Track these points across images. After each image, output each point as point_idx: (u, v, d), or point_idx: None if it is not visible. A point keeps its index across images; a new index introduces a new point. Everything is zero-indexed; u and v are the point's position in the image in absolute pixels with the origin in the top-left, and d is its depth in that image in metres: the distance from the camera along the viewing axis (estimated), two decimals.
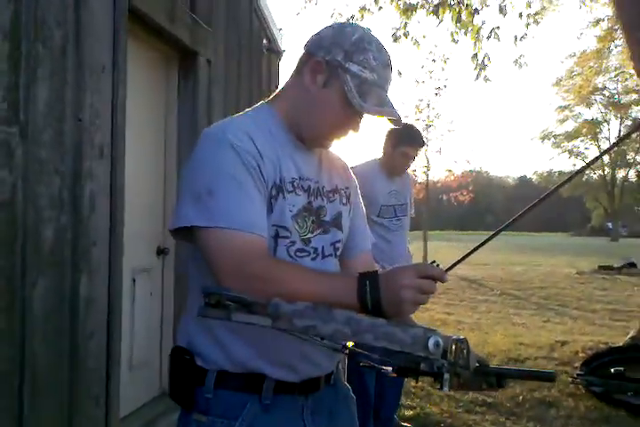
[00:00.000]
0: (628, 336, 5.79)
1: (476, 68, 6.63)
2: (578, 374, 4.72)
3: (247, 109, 1.40)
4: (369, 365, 1.13)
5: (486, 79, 6.80)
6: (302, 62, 1.32)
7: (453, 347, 1.00)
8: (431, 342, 0.96)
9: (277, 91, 1.41)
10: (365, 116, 1.31)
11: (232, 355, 1.23)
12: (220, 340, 1.24)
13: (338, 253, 1.39)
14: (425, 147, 18.81)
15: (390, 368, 1.09)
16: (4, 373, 1.99)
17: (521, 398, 4.35)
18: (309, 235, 1.30)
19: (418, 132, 3.63)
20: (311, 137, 1.33)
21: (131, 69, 2.77)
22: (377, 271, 1.14)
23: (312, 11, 9.39)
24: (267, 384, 1.22)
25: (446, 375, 0.99)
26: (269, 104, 1.38)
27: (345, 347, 1.11)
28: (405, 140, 3.44)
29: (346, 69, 1.24)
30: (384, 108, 1.27)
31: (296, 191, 1.28)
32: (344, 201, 1.43)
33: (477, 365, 1.11)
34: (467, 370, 1.03)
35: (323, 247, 1.33)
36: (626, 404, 4.14)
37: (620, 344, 5.61)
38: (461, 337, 1.03)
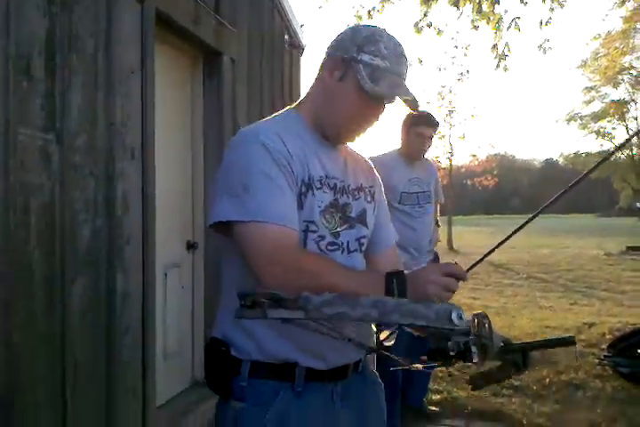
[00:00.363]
0: None
1: (495, 58, 6.62)
2: (605, 356, 4.76)
3: (274, 114, 1.48)
4: (399, 365, 1.24)
5: (505, 68, 6.77)
6: (322, 66, 1.42)
7: (475, 321, 1.10)
8: (454, 315, 1.03)
9: (301, 97, 1.49)
10: (386, 104, 1.39)
11: (264, 347, 1.33)
12: (252, 333, 1.33)
13: (363, 248, 1.46)
14: (448, 132, 18.81)
15: (419, 365, 1.19)
16: (46, 368, 2.11)
17: (547, 380, 4.41)
18: (338, 229, 1.38)
19: (430, 114, 3.72)
20: (335, 132, 1.41)
21: (158, 71, 2.87)
22: (403, 271, 1.23)
23: (334, 3, 9.35)
24: (298, 372, 1.32)
25: (474, 348, 1.08)
26: (295, 109, 1.47)
27: (371, 349, 1.22)
28: (418, 120, 3.52)
29: (358, 60, 1.33)
30: (395, 89, 1.34)
31: (323, 189, 1.37)
32: (368, 199, 1.51)
33: (502, 344, 1.20)
34: (491, 342, 1.10)
35: (348, 242, 1.41)
36: None
37: None
38: (481, 312, 1.11)
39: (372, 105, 1.38)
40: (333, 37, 1.43)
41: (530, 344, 1.37)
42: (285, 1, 5.09)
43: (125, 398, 2.56)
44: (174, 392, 3.41)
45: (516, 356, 1.30)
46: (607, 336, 5.61)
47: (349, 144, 1.53)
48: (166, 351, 3.26)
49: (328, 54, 1.40)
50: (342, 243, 1.39)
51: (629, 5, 11.03)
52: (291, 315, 1.06)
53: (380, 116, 1.42)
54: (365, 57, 1.33)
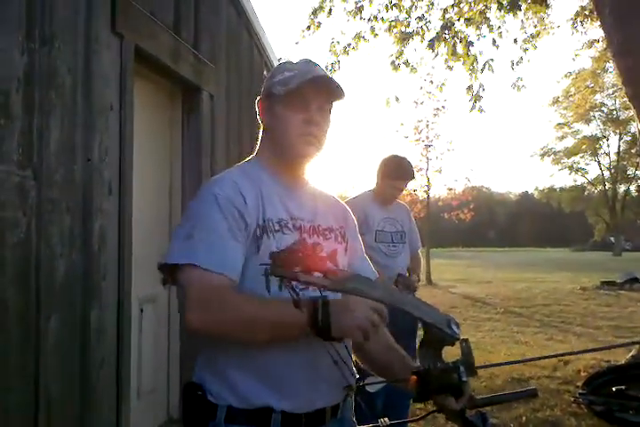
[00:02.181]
0: (630, 354, 5.83)
1: (471, 100, 6.78)
2: (580, 393, 4.77)
3: (244, 161, 1.55)
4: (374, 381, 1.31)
5: (481, 110, 6.92)
6: (258, 118, 1.51)
7: (463, 344, 1.23)
8: (452, 323, 1.16)
9: (256, 148, 1.55)
10: (313, 100, 1.41)
11: (238, 391, 1.32)
12: (226, 378, 1.33)
13: None
14: (425, 166, 19.04)
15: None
16: (20, 403, 2.07)
17: (524, 418, 4.39)
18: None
19: (408, 165, 3.76)
20: (294, 153, 1.44)
21: (136, 107, 2.89)
22: (328, 300, 1.24)
23: (310, 40, 9.56)
24: (274, 418, 1.30)
25: (462, 368, 1.22)
26: (256, 157, 1.53)
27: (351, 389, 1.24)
28: (394, 173, 3.63)
29: (272, 85, 1.45)
30: (306, 75, 1.39)
31: (283, 230, 1.39)
32: (339, 239, 1.53)
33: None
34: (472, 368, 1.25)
35: None
36: (627, 422, 4.18)
37: (622, 362, 5.66)
38: (466, 338, 1.26)
39: (303, 108, 1.41)
40: None
41: (494, 398, 1.39)
42: (264, 37, 5.18)
43: None
44: None
45: (476, 418, 1.31)
46: (582, 373, 5.63)
47: (316, 184, 1.58)
48: (141, 389, 3.21)
49: (258, 110, 1.50)
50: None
51: (598, 46, 11.39)
52: (318, 281, 1.18)
53: (320, 115, 1.43)
54: (276, 78, 1.44)
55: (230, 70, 4.34)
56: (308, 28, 7.55)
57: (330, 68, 7.58)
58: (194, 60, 3.59)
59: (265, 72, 5.26)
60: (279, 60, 5.75)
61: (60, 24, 2.30)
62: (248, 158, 1.55)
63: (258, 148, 1.54)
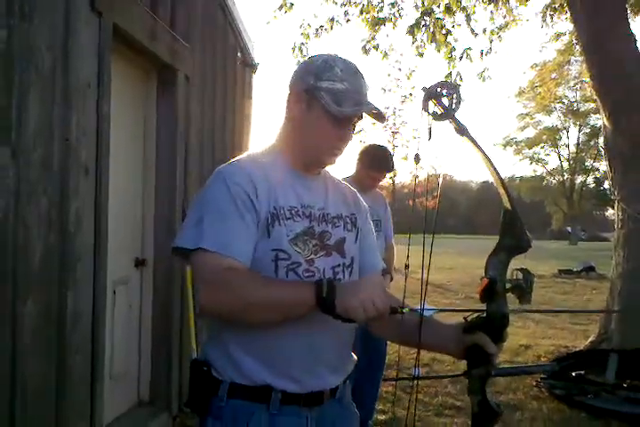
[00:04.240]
0: (588, 341, 6.02)
1: None
2: (541, 378, 4.92)
3: (257, 150, 1.55)
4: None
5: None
6: (287, 103, 1.48)
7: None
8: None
9: (276, 136, 1.54)
10: (355, 122, 1.46)
11: (242, 370, 1.36)
12: (231, 356, 1.37)
13: (338, 276, 1.46)
14: (392, 153, 19.17)
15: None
16: None
17: None
18: (312, 256, 1.41)
19: (388, 156, 3.77)
20: (316, 159, 1.48)
21: (113, 86, 2.84)
22: (332, 279, 1.31)
23: (282, 21, 9.52)
24: (274, 395, 1.35)
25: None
26: (275, 143, 1.53)
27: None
28: (375, 165, 3.63)
29: (318, 88, 1.40)
30: (360, 106, 1.42)
31: (294, 218, 1.41)
32: (349, 227, 1.54)
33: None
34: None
35: (324, 269, 1.43)
36: (586, 406, 4.33)
37: (581, 348, 5.85)
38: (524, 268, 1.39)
39: (342, 125, 1.44)
40: (290, 74, 1.51)
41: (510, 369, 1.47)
42: (238, 19, 5.12)
43: (74, 418, 2.50)
44: (120, 412, 3.33)
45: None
46: (542, 359, 5.79)
47: (332, 173, 1.61)
48: (113, 371, 3.18)
49: (290, 90, 1.47)
50: (319, 270, 1.41)
51: (564, 39, 11.59)
52: None
53: (352, 133, 1.49)
54: (325, 84, 1.40)
55: (206, 51, 4.28)
56: (280, 7, 7.50)
57: (297, 49, 7.57)
58: (170, 40, 3.53)
59: (239, 54, 5.21)
60: (252, 42, 5.70)
61: (39, 0, 2.24)
62: (267, 146, 1.54)
63: (278, 136, 1.53)
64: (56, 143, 2.36)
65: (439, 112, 1.39)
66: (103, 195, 2.71)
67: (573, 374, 4.72)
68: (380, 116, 1.47)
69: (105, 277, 2.76)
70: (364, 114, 1.45)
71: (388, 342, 3.72)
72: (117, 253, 3.17)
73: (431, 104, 1.39)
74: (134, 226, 3.53)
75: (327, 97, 1.40)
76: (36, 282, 2.23)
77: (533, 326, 8.36)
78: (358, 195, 1.67)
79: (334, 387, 1.45)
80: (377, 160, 3.65)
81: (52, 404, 2.35)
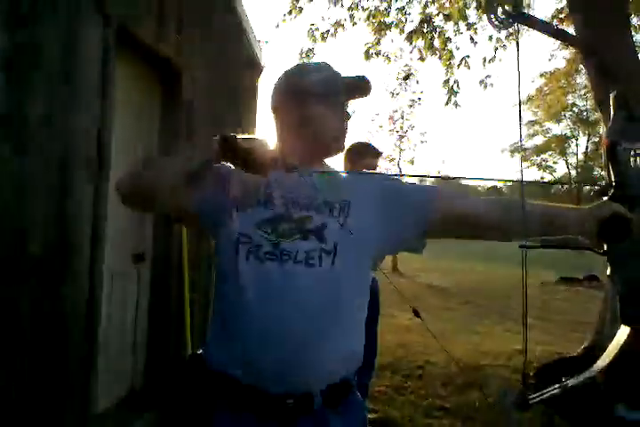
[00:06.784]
0: (582, 347, 6.06)
1: (447, 94, 6.88)
2: (530, 383, 4.96)
3: None
4: None
5: (456, 104, 7.02)
6: (276, 109, 1.58)
7: None
8: None
9: (273, 132, 1.60)
10: (345, 102, 1.56)
11: (214, 365, 1.40)
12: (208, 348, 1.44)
13: (311, 261, 1.41)
14: (398, 156, 19.21)
15: None
16: None
17: (477, 403, 4.56)
18: (282, 240, 1.41)
19: (369, 144, 3.76)
20: (326, 147, 1.56)
21: (118, 87, 2.92)
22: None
23: (291, 24, 9.61)
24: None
25: None
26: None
27: None
28: (365, 152, 3.60)
29: (304, 83, 1.52)
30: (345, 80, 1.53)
31: (267, 205, 1.46)
32: (335, 213, 1.48)
33: None
34: None
35: (297, 252, 1.40)
36: (572, 412, 4.37)
37: (574, 355, 5.89)
38: None
39: (336, 107, 1.53)
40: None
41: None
42: (246, 21, 5.20)
43: (68, 407, 2.58)
44: (112, 402, 3.41)
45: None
46: (534, 364, 5.83)
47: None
48: (108, 363, 3.25)
49: (276, 99, 1.57)
50: (284, 252, 1.41)
51: (573, 48, 11.60)
52: None
53: (347, 115, 1.57)
54: (306, 80, 1.52)
55: (212, 52, 4.36)
56: (290, 12, 7.58)
57: (305, 55, 7.66)
58: (176, 42, 3.62)
59: (246, 57, 5.29)
60: (259, 41, 5.79)
61: (44, 1, 2.33)
62: None
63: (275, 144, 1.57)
64: (58, 141, 2.45)
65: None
66: (103, 190, 2.80)
67: (563, 379, 4.76)
68: (361, 81, 1.55)
69: (102, 270, 2.84)
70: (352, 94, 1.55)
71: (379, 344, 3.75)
72: (115, 246, 3.25)
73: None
74: (132, 220, 3.61)
75: (316, 87, 1.50)
76: (34, 275, 2.31)
77: (530, 332, 8.39)
78: (362, 179, 1.65)
79: (326, 388, 1.39)
80: (365, 148, 3.64)
81: (46, 394, 2.43)
